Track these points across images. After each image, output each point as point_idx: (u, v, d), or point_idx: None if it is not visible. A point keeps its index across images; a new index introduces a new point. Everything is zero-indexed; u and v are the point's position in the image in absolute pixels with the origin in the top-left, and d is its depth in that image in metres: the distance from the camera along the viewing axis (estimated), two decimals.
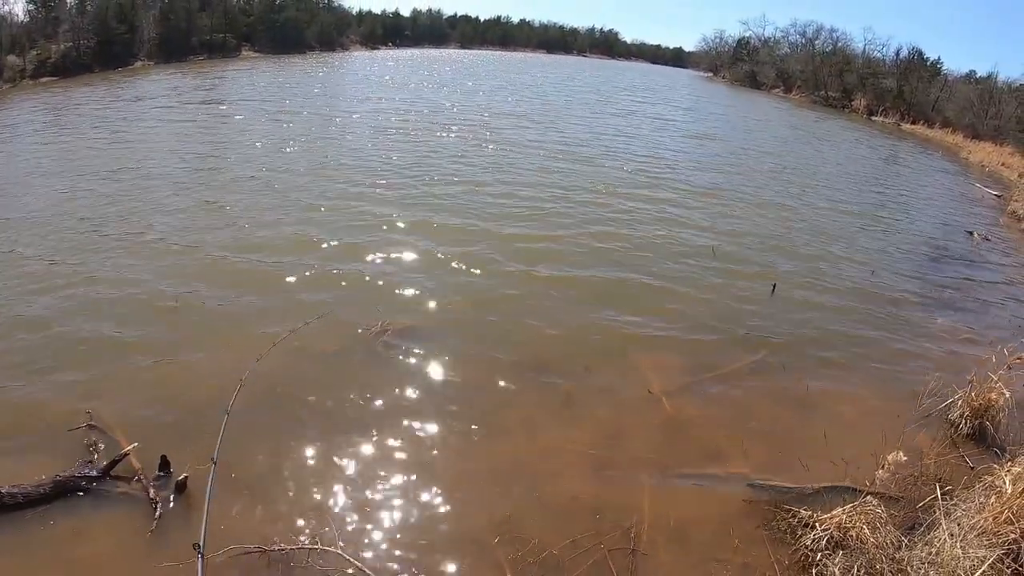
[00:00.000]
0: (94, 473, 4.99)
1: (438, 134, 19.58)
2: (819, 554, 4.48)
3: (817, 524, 4.70)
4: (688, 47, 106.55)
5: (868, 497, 4.83)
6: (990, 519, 4.50)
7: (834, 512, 4.72)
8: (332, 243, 9.77)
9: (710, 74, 77.69)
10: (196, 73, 35.17)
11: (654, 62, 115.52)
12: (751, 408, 6.38)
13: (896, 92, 48.34)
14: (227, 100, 25.01)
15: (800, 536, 4.69)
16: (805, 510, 4.86)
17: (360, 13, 76.71)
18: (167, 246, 9.26)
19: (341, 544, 4.47)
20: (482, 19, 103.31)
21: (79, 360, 6.52)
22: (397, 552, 4.51)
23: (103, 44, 36.50)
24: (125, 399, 5.83)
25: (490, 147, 18.21)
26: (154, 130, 17.95)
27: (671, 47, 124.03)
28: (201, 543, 3.01)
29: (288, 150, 16.28)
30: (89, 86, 28.19)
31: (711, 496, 5.13)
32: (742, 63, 68.94)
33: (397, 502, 4.97)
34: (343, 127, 20.16)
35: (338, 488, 5.10)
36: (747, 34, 73.01)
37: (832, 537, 4.59)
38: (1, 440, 5.46)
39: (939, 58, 53.84)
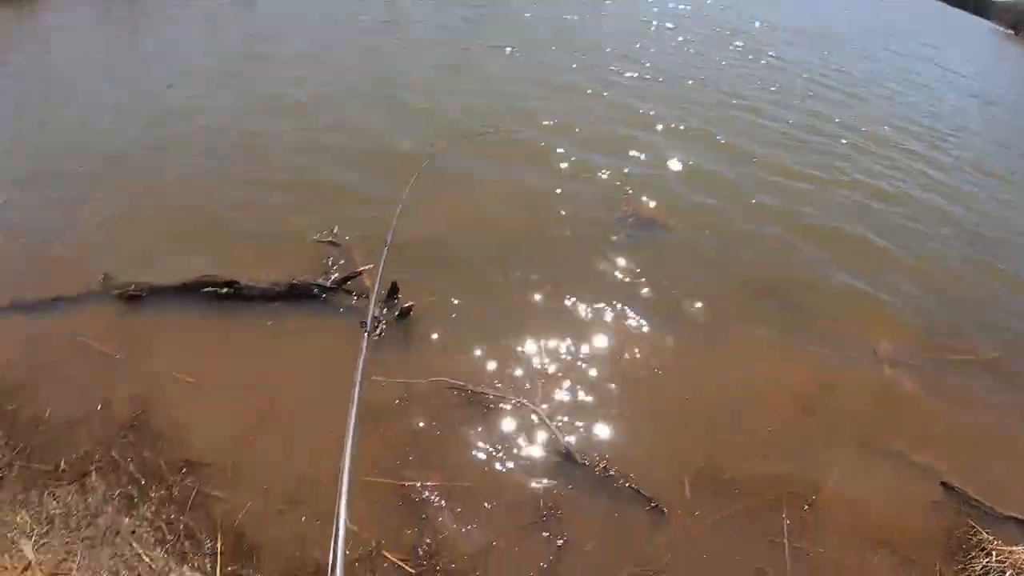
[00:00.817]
0: (328, 283, 5.38)
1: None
2: None
3: (994, 552, 4.53)
4: None
5: None
6: None
7: (1016, 548, 4.52)
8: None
9: (1011, 31, 62.60)
10: None
11: (951, 4, 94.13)
12: (971, 406, 5.89)
13: None
14: None
15: (973, 557, 4.53)
16: (988, 533, 4.65)
17: None
18: None
19: (542, 404, 4.55)
20: None
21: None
22: (589, 428, 4.68)
23: None
24: (372, 226, 5.83)
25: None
26: None
27: None
28: (368, 322, 3.18)
29: None
30: None
31: (902, 481, 4.93)
32: None
33: (604, 384, 5.08)
34: None
35: (552, 353, 5.27)
36: None
37: (1004, 572, 4.44)
38: (251, 241, 6.03)
39: None
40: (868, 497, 4.69)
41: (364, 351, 2.76)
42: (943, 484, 4.97)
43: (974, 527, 4.70)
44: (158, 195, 6.74)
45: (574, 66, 13.08)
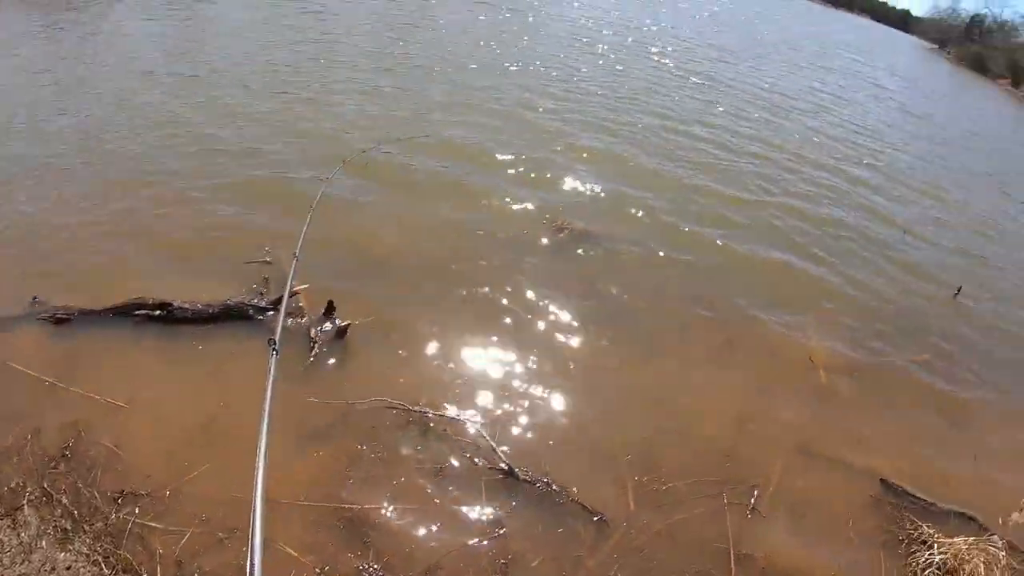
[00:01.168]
0: (262, 304, 5.36)
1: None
2: (927, 575, 4.47)
3: (935, 544, 4.62)
4: (917, 11, 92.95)
5: (995, 536, 4.72)
6: None
7: (955, 540, 4.61)
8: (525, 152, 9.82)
9: (934, 47, 67.61)
10: None
11: (876, 20, 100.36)
12: (905, 407, 6.14)
13: None
14: None
15: (914, 551, 4.62)
16: (928, 527, 4.76)
17: None
18: None
19: (481, 421, 4.63)
20: None
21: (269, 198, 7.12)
22: (531, 443, 4.73)
23: None
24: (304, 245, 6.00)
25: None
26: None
27: (898, 8, 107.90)
28: (276, 337, 3.04)
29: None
30: None
31: (842, 481, 5.07)
32: (971, 42, 59.85)
33: (544, 399, 5.14)
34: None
35: (490, 370, 5.32)
36: (984, 11, 63.75)
37: (946, 563, 4.52)
38: (185, 263, 5.99)
39: None
40: (809, 499, 4.81)
41: (271, 371, 2.75)
42: (882, 482, 5.12)
43: (915, 522, 4.83)
44: (88, 216, 6.61)
45: (497, 85, 13.46)
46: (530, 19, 21.71)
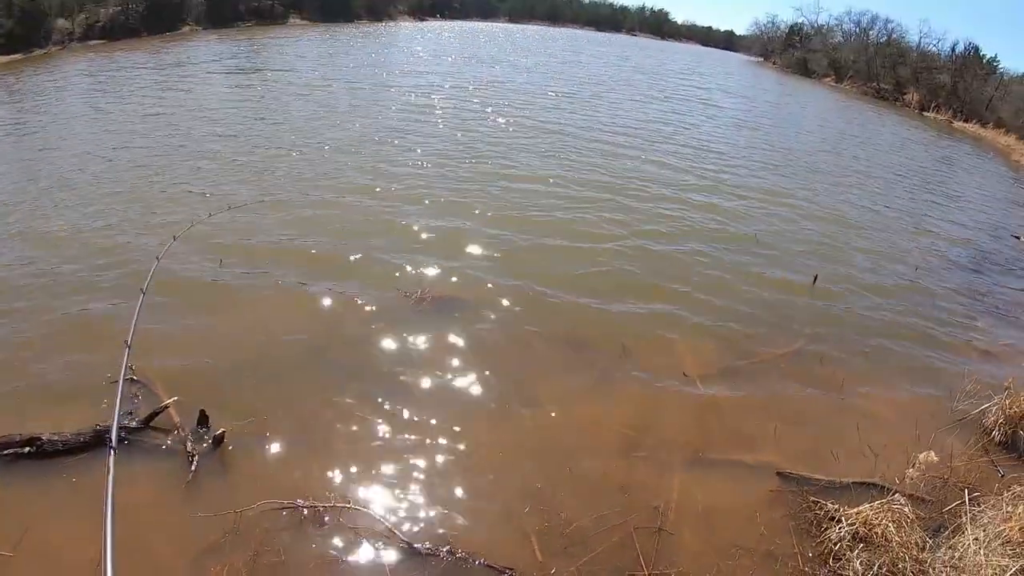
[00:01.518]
0: (134, 424, 5.15)
1: (483, 114, 19.28)
2: (843, 548, 4.53)
3: (843, 518, 4.72)
4: (740, 31, 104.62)
5: (896, 495, 4.86)
6: (1016, 529, 4.50)
7: (861, 508, 4.74)
8: (376, 217, 10.04)
9: (760, 59, 76.07)
10: (241, 39, 35.67)
11: (704, 44, 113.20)
12: (785, 397, 6.43)
13: (950, 88, 46.86)
14: (269, 68, 25.25)
15: (825, 529, 4.71)
16: (832, 503, 4.88)
17: None
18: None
19: (373, 504, 4.65)
20: None
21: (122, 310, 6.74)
22: (426, 515, 4.66)
23: (152, 8, 36.77)
24: (166, 354, 6.02)
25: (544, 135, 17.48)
26: (190, 96, 18.26)
27: (722, 30, 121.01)
28: (113, 434, 3.06)
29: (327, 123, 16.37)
30: (136, 50, 29.05)
31: (740, 482, 5.19)
32: (793, 50, 67.33)
33: (430, 466, 5.12)
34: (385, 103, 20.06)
35: (371, 449, 5.27)
36: (800, 20, 71.13)
37: (857, 532, 4.61)
38: (44, 390, 5.70)
39: (996, 56, 51.95)
40: (712, 508, 4.88)
41: (111, 470, 2.73)
42: (778, 473, 5.26)
43: (818, 502, 4.95)
44: None
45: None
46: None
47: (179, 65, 24.60)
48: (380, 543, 4.40)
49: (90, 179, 10.92)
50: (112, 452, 2.93)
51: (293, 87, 21.08)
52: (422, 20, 70.98)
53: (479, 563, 4.30)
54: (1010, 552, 4.31)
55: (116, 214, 9.41)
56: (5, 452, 4.84)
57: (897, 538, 4.52)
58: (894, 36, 56.84)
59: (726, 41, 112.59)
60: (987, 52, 50.81)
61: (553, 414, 5.83)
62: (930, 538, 4.62)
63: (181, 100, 17.49)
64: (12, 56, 26.54)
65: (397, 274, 8.13)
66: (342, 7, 55.99)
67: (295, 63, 27.31)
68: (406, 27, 60.28)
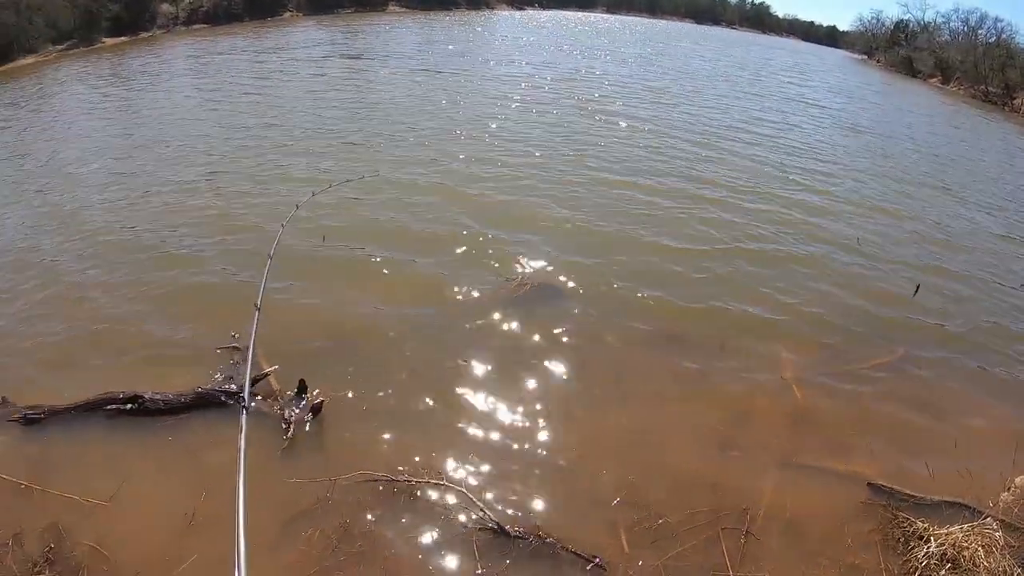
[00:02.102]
0: (234, 389, 5.34)
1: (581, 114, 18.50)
2: (929, 568, 4.49)
3: (932, 538, 4.66)
4: (843, 26, 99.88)
5: (989, 519, 4.77)
6: None
7: (951, 529, 4.68)
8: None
9: (864, 57, 71.76)
10: (343, 25, 36.53)
11: (806, 39, 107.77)
12: (882, 408, 6.28)
13: None
14: (371, 56, 25.61)
15: (913, 547, 4.67)
16: (922, 521, 4.82)
17: None
18: None
19: (465, 484, 4.72)
20: None
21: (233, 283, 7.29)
22: (517, 499, 4.80)
23: None
24: (271, 326, 6.04)
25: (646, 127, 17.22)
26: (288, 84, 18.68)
27: (825, 25, 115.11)
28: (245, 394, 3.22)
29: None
30: (238, 34, 30.43)
31: (830, 491, 5.16)
32: (898, 47, 63.44)
33: (524, 451, 5.25)
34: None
35: (467, 430, 5.42)
36: (906, 17, 66.93)
37: (945, 554, 4.56)
38: (153, 351, 6.09)
39: None
40: (800, 514, 4.88)
41: (243, 428, 2.83)
42: (870, 485, 5.20)
43: (908, 519, 4.89)
44: (46, 311, 6.79)
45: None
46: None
47: (280, 50, 25.37)
48: (470, 522, 4.55)
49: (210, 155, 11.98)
50: (244, 411, 3.02)
51: (393, 76, 21.38)
52: (520, 9, 71.22)
53: (567, 549, 4.38)
54: None
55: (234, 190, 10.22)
56: (108, 407, 5.11)
57: (986, 563, 4.45)
58: (1003, 36, 52.93)
59: (828, 37, 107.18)
60: None
61: (648, 408, 5.86)
62: (1019, 568, 4.54)
63: (282, 85, 18.09)
64: (119, 39, 28.27)
65: (499, 260, 8.32)
66: None
67: (395, 51, 27.54)
68: (505, 15, 60.07)
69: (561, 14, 73.04)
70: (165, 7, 32.17)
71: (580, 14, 78.25)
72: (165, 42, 27.10)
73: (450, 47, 30.07)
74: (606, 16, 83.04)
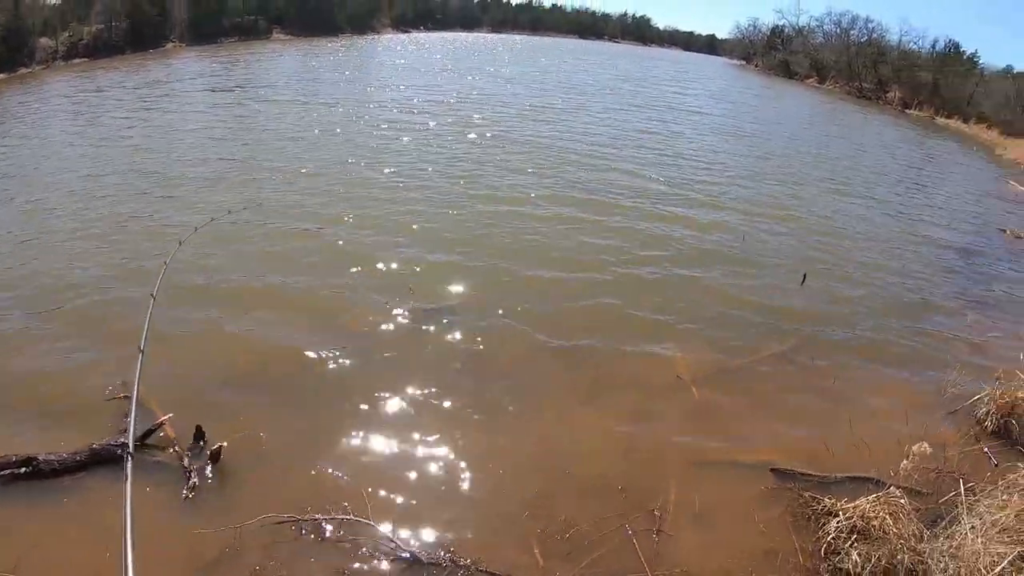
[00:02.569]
0: (127, 441, 5.02)
1: (466, 131, 18.64)
2: (841, 542, 4.57)
3: (841, 512, 4.76)
4: (721, 34, 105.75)
5: (892, 488, 4.90)
6: (1012, 516, 4.53)
7: (858, 501, 4.79)
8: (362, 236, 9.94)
9: (743, 62, 76.75)
10: (224, 56, 35.48)
11: (687, 49, 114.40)
12: (779, 396, 6.50)
13: (931, 85, 47.39)
14: (251, 86, 25.17)
15: (823, 524, 4.76)
16: (829, 498, 4.93)
17: None
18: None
19: (374, 515, 4.64)
20: (513, 3, 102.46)
21: (113, 333, 6.73)
22: (427, 525, 4.66)
23: (135, 26, 36.91)
24: (161, 371, 5.93)
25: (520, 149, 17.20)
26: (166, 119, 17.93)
27: (704, 34, 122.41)
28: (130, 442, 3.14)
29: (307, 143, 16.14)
30: (118, 68, 28.82)
31: (737, 481, 5.24)
32: (776, 52, 67.99)
33: (429, 476, 5.15)
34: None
35: (371, 460, 5.29)
36: (781, 22, 71.93)
37: (855, 526, 4.65)
38: (41, 410, 5.69)
39: (976, 52, 52.45)
40: (710, 507, 4.93)
41: (128, 477, 2.76)
42: (773, 471, 5.32)
43: (815, 497, 5.00)
44: None
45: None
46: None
47: (160, 84, 24.47)
48: (382, 553, 4.41)
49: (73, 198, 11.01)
50: (129, 459, 2.95)
51: (270, 107, 20.70)
52: (406, 32, 71.54)
53: (481, 570, 4.31)
54: (1007, 539, 4.35)
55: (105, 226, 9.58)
56: (2, 473, 4.81)
57: (895, 530, 4.55)
58: (875, 35, 57.43)
59: (708, 45, 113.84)
60: (967, 48, 51.38)
61: (549, 421, 5.86)
62: (927, 529, 4.65)
63: (155, 122, 17.31)
64: None
65: (389, 285, 8.14)
66: (325, 21, 56.42)
67: (275, 81, 27.15)
68: (389, 40, 60.38)
69: (446, 35, 74.05)
70: (44, 41, 30.60)
71: (465, 35, 79.36)
72: (44, 78, 25.62)
73: (332, 75, 29.99)
74: (490, 36, 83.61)
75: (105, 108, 18.89)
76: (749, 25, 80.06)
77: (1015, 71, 48.14)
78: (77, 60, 31.68)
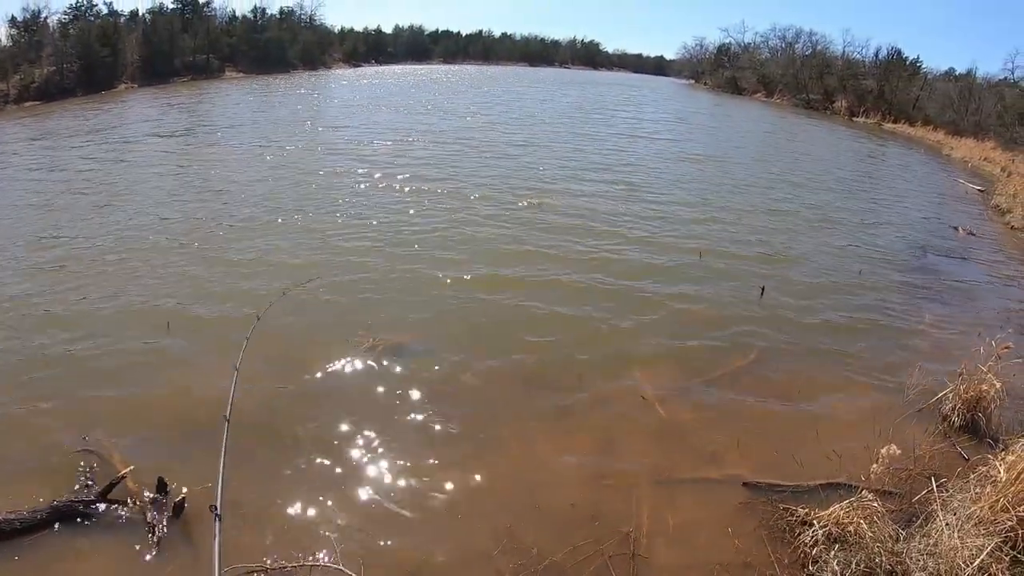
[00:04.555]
0: (91, 497, 4.91)
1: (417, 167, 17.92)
2: (818, 551, 4.51)
3: (815, 521, 4.71)
4: (669, 55, 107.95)
5: (864, 492, 4.86)
6: (986, 508, 4.52)
7: (831, 508, 4.73)
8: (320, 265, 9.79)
9: (692, 81, 78.38)
10: (178, 97, 34.98)
11: (636, 71, 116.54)
12: (744, 409, 6.45)
13: (877, 92, 48.92)
14: (202, 127, 24.71)
15: (799, 534, 4.70)
16: (802, 508, 4.89)
17: (342, 31, 78.20)
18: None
19: (342, 560, 4.47)
20: (464, 33, 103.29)
21: (71, 384, 6.52)
22: (398, 567, 4.49)
23: (86, 68, 36.79)
24: (120, 421, 5.82)
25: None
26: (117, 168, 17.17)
27: (652, 56, 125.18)
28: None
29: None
30: (70, 111, 28.31)
31: (709, 498, 5.16)
32: (723, 69, 69.69)
33: (397, 516, 4.96)
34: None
35: (337, 504, 5.08)
36: (727, 41, 74.01)
37: (831, 533, 4.60)
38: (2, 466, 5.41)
39: (918, 57, 54.49)
40: (683, 527, 4.84)
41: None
42: (745, 484, 5.26)
43: (789, 508, 4.95)
44: None
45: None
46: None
47: (111, 129, 23.61)
48: None
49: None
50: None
51: (221, 152, 19.77)
52: (357, 67, 71.98)
53: None
54: (983, 531, 4.34)
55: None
56: None
57: (870, 534, 4.51)
58: (819, 47, 59.26)
59: (657, 67, 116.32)
60: (909, 55, 53.21)
61: (516, 452, 5.74)
62: (903, 529, 4.64)
63: (112, 170, 16.46)
64: None
65: (346, 323, 7.92)
66: (277, 58, 56.68)
67: (230, 122, 26.38)
68: (341, 75, 60.33)
69: (398, 68, 73.92)
70: None
71: (417, 67, 79.28)
72: None
73: (283, 113, 29.32)
74: (441, 67, 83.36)
75: (56, 158, 18.20)
76: (696, 44, 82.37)
77: (957, 73, 50.11)
78: (30, 103, 31.26)
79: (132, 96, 35.68)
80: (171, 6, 54.12)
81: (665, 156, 22.96)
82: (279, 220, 12.11)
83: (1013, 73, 44.26)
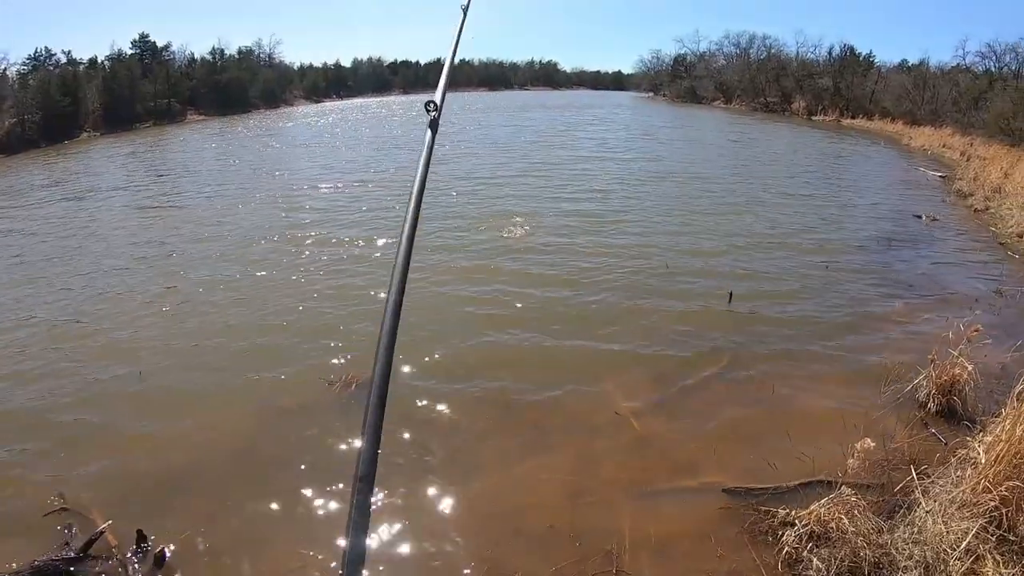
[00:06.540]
0: (71, 555, 4.81)
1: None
2: (802, 550, 4.47)
3: (796, 521, 4.68)
4: (627, 69, 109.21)
5: (843, 488, 4.84)
6: (968, 491, 4.52)
7: (812, 507, 4.70)
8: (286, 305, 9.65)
9: (651, 94, 79.18)
10: (142, 144, 34.34)
11: (595, 88, 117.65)
12: (719, 416, 6.42)
13: (833, 90, 49.81)
14: (164, 182, 23.50)
15: (782, 535, 4.65)
16: (783, 509, 4.85)
17: (302, 67, 78.47)
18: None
19: None
20: (423, 63, 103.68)
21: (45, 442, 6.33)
22: None
23: (48, 118, 36.30)
24: (96, 476, 5.69)
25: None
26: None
27: (610, 71, 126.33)
28: None
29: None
30: (35, 161, 28.19)
31: (689, 508, 5.11)
32: (681, 80, 70.60)
33: (378, 553, 4.83)
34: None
35: (316, 545, 4.92)
36: (683, 51, 75.10)
37: (813, 532, 4.56)
38: None
39: (871, 51, 55.56)
40: (666, 538, 4.78)
41: None
42: (724, 491, 5.22)
43: (769, 510, 4.91)
44: None
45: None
46: None
47: (71, 181, 23.26)
48: None
49: None
50: None
51: (187, 211, 18.00)
52: (319, 102, 71.89)
53: None
54: (967, 514, 4.33)
55: None
56: None
57: (852, 528, 4.48)
58: (773, 50, 60.29)
59: (615, 82, 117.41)
60: (862, 50, 54.29)
61: (493, 477, 5.64)
62: (886, 521, 4.61)
63: (80, 230, 15.94)
64: None
65: (317, 363, 7.72)
66: (238, 98, 56.56)
67: (191, 169, 25.40)
68: (303, 111, 59.92)
69: (358, 102, 72.64)
70: None
71: (376, 99, 77.44)
72: None
73: (246, 159, 28.00)
74: (401, 98, 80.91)
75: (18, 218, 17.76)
76: (652, 57, 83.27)
77: (910, 64, 51.13)
78: None
79: (96, 145, 35.17)
80: (130, 52, 54.15)
81: (633, 174, 22.48)
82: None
83: (964, 59, 45.30)
